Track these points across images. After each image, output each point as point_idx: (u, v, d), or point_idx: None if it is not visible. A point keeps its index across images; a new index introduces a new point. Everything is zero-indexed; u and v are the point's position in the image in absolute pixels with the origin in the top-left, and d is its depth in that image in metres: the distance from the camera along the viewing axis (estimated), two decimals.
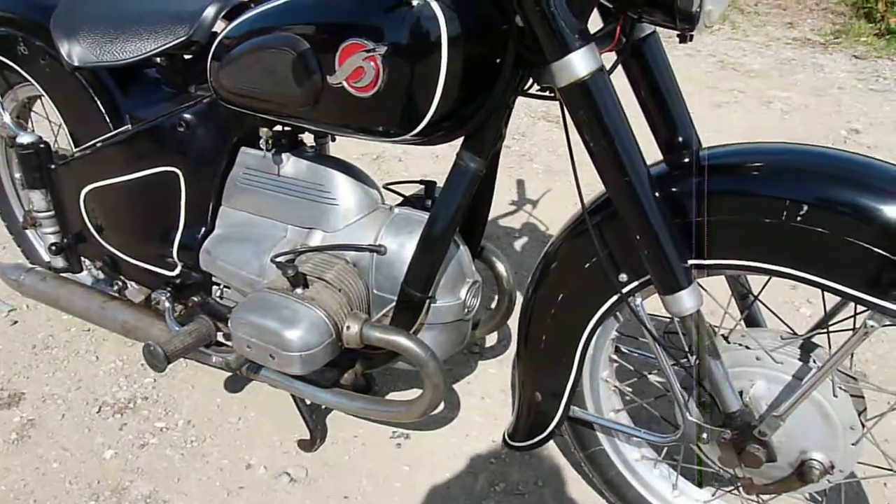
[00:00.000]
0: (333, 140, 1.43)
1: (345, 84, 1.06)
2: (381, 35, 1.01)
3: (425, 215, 1.21)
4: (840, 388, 1.04)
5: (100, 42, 1.32)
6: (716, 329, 1.13)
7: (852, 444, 1.05)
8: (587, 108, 0.94)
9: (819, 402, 1.05)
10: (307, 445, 1.56)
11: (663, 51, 1.11)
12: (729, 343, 1.11)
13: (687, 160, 1.06)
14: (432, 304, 1.27)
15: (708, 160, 1.04)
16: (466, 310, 1.31)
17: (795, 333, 1.10)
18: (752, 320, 1.21)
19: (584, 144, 0.97)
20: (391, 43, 1.01)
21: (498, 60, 1.05)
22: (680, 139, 1.11)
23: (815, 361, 1.04)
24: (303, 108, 1.13)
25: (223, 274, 1.42)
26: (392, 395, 1.72)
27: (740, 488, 1.16)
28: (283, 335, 1.18)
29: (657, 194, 0.97)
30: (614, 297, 1.10)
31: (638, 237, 0.98)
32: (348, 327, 1.23)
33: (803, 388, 1.01)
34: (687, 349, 1.06)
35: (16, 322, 1.92)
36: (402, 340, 1.22)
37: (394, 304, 1.27)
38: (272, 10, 1.13)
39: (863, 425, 1.04)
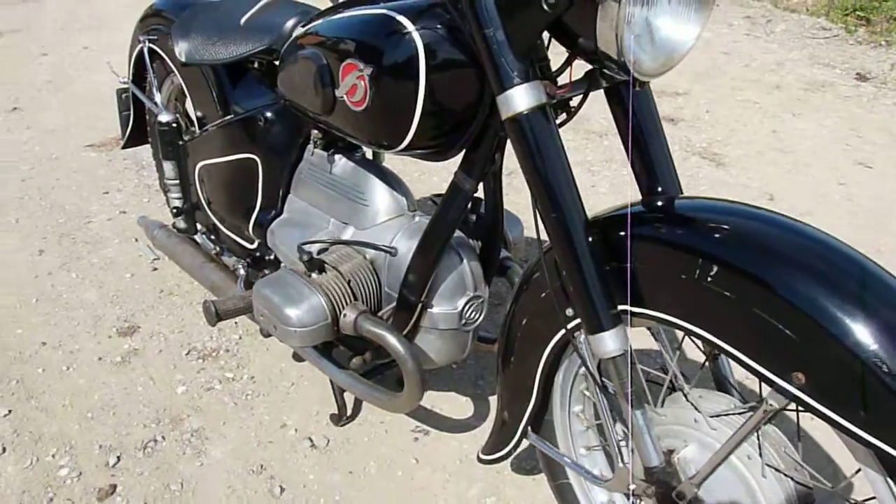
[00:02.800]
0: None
1: (345, 98, 1.19)
2: (370, 58, 1.13)
3: None
4: (774, 470, 0.98)
5: (204, 44, 1.58)
6: (675, 382, 1.10)
7: None
8: (523, 142, 0.98)
9: (746, 480, 0.99)
10: (335, 419, 1.72)
11: (650, 95, 1.10)
12: (687, 401, 1.08)
13: (651, 206, 1.05)
14: (428, 310, 1.36)
15: (673, 209, 1.03)
16: (464, 321, 1.38)
17: (745, 401, 1.04)
18: (720, 382, 1.15)
19: (524, 175, 1.01)
20: (376, 65, 1.12)
21: (480, 87, 1.11)
22: (656, 185, 1.09)
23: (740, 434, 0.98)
24: (322, 115, 1.28)
25: (280, 252, 1.61)
26: (430, 393, 1.82)
27: None
28: (283, 311, 1.34)
29: (592, 237, 0.99)
30: (562, 332, 1.11)
31: (566, 273, 1.00)
32: (345, 315, 1.36)
33: (714, 459, 0.96)
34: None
35: (156, 269, 2.29)
36: (387, 336, 1.32)
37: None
38: (311, 29, 1.29)
39: None
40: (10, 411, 1.75)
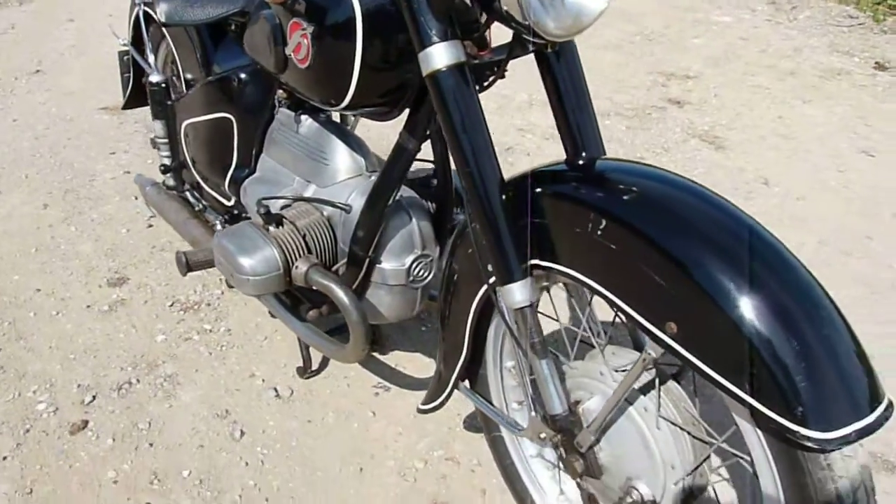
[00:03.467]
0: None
1: (292, 56, 1.25)
2: (312, 17, 1.18)
3: None
4: (668, 422, 1.02)
5: (182, 6, 1.64)
6: (591, 338, 1.14)
7: (673, 485, 1.02)
8: (440, 99, 1.02)
9: (641, 430, 1.03)
10: (300, 372, 1.79)
11: (576, 58, 1.13)
12: (602, 355, 1.12)
13: (565, 166, 1.09)
14: (377, 266, 1.42)
15: (595, 170, 1.07)
16: (412, 278, 1.43)
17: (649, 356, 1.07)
18: (636, 341, 1.18)
19: (443, 132, 1.06)
20: (318, 24, 1.17)
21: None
22: (579, 146, 1.12)
23: (636, 386, 1.03)
24: (276, 73, 1.34)
25: (248, 208, 1.68)
26: (397, 352, 1.89)
27: (582, 500, 1.17)
28: (238, 260, 1.41)
29: (506, 194, 1.03)
30: (485, 287, 1.16)
31: (479, 228, 1.05)
32: (297, 267, 1.43)
33: (606, 408, 1.01)
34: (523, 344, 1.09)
35: (151, 226, 2.39)
36: (334, 288, 1.38)
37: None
38: None
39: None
40: None
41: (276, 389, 1.76)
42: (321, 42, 1.18)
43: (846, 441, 0.76)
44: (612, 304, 0.92)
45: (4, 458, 1.56)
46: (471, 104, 1.02)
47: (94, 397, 1.72)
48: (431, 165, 1.44)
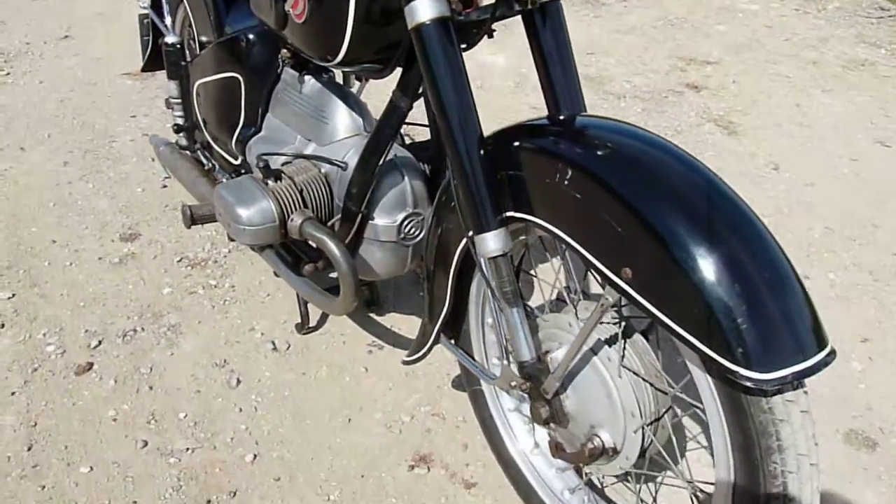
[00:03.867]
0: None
1: (290, 11, 1.29)
2: None
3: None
4: (631, 373, 1.06)
5: None
6: (565, 292, 1.18)
7: (633, 433, 1.06)
8: (423, 52, 1.06)
9: (604, 380, 1.07)
10: (298, 327, 1.85)
11: (561, 19, 1.16)
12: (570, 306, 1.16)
13: (544, 121, 1.12)
14: (370, 222, 1.47)
15: (570, 125, 1.10)
16: (402, 235, 1.48)
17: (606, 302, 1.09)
18: None
19: (425, 85, 1.09)
20: None
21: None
22: (560, 104, 1.15)
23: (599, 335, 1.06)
24: (277, 29, 1.38)
25: (252, 165, 1.74)
26: (393, 314, 1.94)
27: (549, 448, 1.20)
28: (236, 210, 1.46)
29: (485, 149, 1.07)
30: (465, 239, 1.20)
31: (456, 180, 1.09)
32: (292, 220, 1.48)
33: (569, 354, 1.04)
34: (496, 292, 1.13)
35: (165, 186, 2.46)
36: (326, 240, 1.43)
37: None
38: None
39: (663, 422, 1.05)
40: (13, 294, 1.95)
41: (273, 343, 1.82)
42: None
43: (784, 382, 0.79)
44: (574, 250, 0.96)
45: (13, 394, 1.64)
46: (453, 58, 1.06)
47: (100, 342, 1.80)
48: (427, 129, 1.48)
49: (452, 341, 1.39)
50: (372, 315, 1.93)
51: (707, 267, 0.83)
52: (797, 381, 0.83)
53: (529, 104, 3.24)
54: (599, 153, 0.96)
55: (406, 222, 1.47)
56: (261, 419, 1.61)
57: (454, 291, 1.30)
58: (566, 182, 0.96)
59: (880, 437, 1.63)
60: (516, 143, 1.06)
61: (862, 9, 4.75)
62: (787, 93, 3.48)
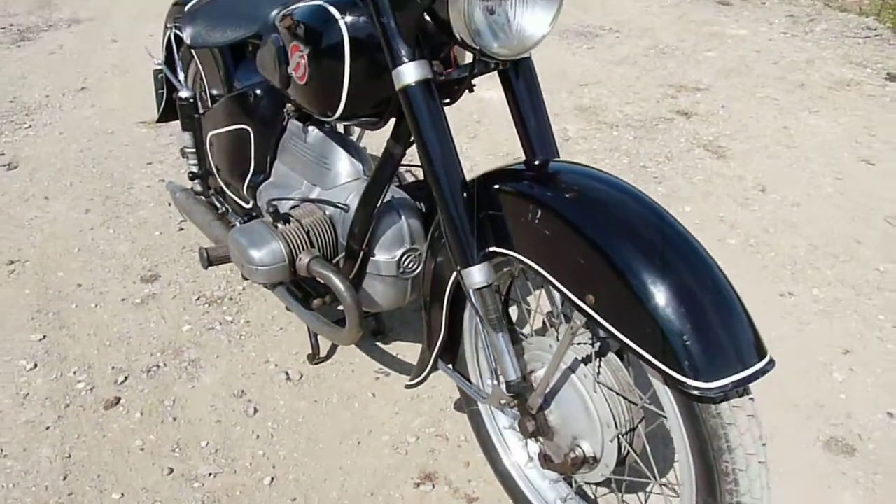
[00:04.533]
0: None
1: (293, 74, 1.44)
2: (309, 40, 1.37)
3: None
4: (605, 387, 1.18)
5: (206, 29, 1.85)
6: (549, 317, 1.30)
7: (610, 441, 1.18)
8: (410, 110, 1.20)
9: (582, 395, 1.19)
10: (310, 358, 1.98)
11: (532, 73, 1.29)
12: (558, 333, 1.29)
13: (518, 167, 1.26)
14: (371, 258, 1.60)
15: (543, 170, 1.23)
16: (402, 269, 1.61)
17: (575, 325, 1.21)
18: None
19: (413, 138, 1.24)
20: (313, 47, 1.36)
21: None
22: (535, 149, 1.29)
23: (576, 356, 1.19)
24: (282, 88, 1.53)
25: (263, 210, 1.88)
26: (398, 342, 2.07)
27: (539, 460, 1.32)
28: (249, 252, 1.60)
29: (467, 191, 1.20)
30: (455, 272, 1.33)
31: (442, 220, 1.22)
32: (300, 259, 1.62)
33: (548, 372, 1.17)
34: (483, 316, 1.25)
35: (181, 229, 2.61)
36: (332, 277, 1.57)
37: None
38: (277, 17, 1.55)
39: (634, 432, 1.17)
40: (44, 336, 2.09)
41: (287, 373, 1.95)
42: (316, 62, 1.38)
43: (726, 389, 0.92)
44: (546, 280, 1.09)
45: (48, 428, 1.78)
46: (436, 114, 1.20)
47: (126, 378, 1.93)
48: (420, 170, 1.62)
49: (450, 366, 1.51)
50: (378, 344, 2.06)
51: (659, 293, 0.96)
52: (740, 388, 0.95)
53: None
54: (566, 195, 1.09)
55: (404, 257, 1.60)
56: (277, 444, 1.74)
57: (449, 320, 1.42)
58: (537, 221, 1.09)
59: (858, 444, 1.73)
60: (495, 186, 1.19)
61: (849, 29, 4.90)
62: (774, 115, 3.62)
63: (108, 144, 3.27)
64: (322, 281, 1.61)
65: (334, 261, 1.68)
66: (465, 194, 1.21)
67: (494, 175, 1.22)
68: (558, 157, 1.30)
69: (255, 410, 1.83)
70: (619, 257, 1.00)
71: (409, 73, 1.19)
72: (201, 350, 2.04)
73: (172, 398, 1.87)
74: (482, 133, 3.46)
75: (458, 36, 1.13)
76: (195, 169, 2.25)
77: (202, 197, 2.30)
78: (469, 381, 1.51)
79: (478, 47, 1.13)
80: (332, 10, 1.34)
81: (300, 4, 1.47)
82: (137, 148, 3.23)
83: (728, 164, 3.15)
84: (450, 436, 1.76)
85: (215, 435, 1.76)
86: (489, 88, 4.02)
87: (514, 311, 1.56)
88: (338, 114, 1.42)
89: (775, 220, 2.70)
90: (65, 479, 1.65)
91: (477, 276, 1.21)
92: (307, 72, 1.40)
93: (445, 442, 1.74)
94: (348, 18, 1.33)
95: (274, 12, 1.73)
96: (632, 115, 3.64)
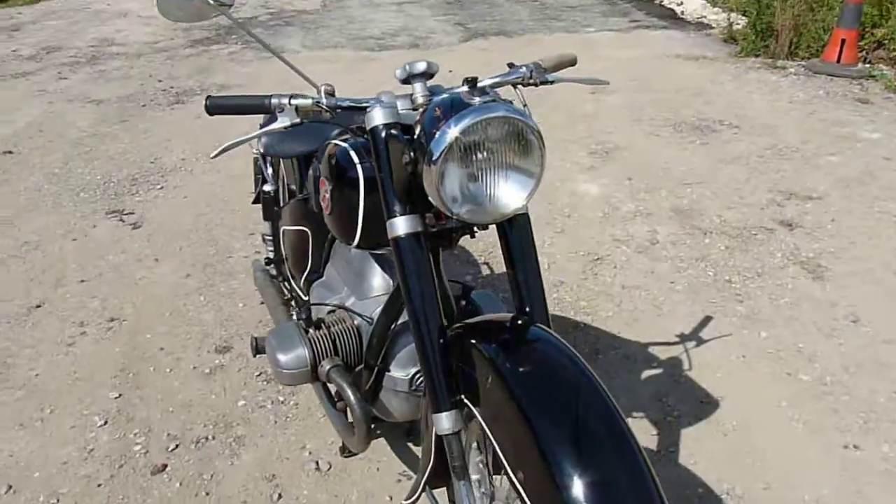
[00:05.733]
0: None
1: (322, 204, 1.57)
2: (332, 177, 1.50)
3: None
4: None
5: (276, 142, 2.05)
6: None
7: None
8: (399, 258, 1.28)
9: None
10: (342, 451, 2.07)
11: (527, 228, 1.34)
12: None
13: (498, 323, 1.30)
14: (386, 373, 1.68)
15: (517, 333, 1.26)
16: (414, 387, 1.68)
17: None
18: None
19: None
20: (335, 183, 1.49)
21: None
22: (524, 306, 1.33)
23: None
24: (317, 211, 1.67)
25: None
26: None
27: None
28: (276, 354, 1.73)
29: (444, 338, 1.26)
30: None
31: (420, 363, 1.29)
32: (322, 366, 1.72)
33: None
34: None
35: (263, 303, 2.81)
36: (346, 389, 1.66)
37: None
38: (321, 147, 1.70)
39: None
40: (120, 395, 2.32)
41: (317, 463, 2.05)
42: (338, 197, 1.50)
43: None
44: (491, 444, 1.12)
45: (99, 485, 1.98)
46: (422, 263, 1.27)
47: (177, 446, 2.11)
48: None
49: (434, 490, 1.55)
50: (409, 444, 2.12)
51: (578, 489, 0.97)
52: None
53: (613, 237, 3.36)
54: (521, 368, 1.12)
55: (417, 376, 1.67)
56: None
57: (438, 449, 1.47)
58: (488, 385, 1.13)
59: None
60: (470, 340, 1.24)
61: None
62: (890, 235, 3.38)
63: (222, 212, 3.60)
64: (338, 389, 1.71)
65: (357, 369, 1.78)
66: (441, 340, 1.26)
67: (473, 327, 1.28)
68: (546, 314, 1.33)
69: (280, 497, 1.94)
70: (548, 445, 1.02)
71: (400, 226, 1.28)
72: (249, 427, 2.19)
73: (211, 472, 2.02)
74: (570, 228, 3.47)
75: (433, 201, 1.21)
76: (271, 254, 2.45)
77: (276, 281, 2.49)
78: None
79: (452, 215, 1.20)
80: (353, 154, 1.47)
81: (336, 141, 1.61)
82: (244, 218, 3.52)
83: (823, 286, 2.97)
84: None
85: None
86: (586, 181, 4.07)
87: None
88: (355, 242, 1.53)
89: (860, 358, 2.51)
90: None
91: (444, 422, 1.25)
92: (330, 204, 1.52)
93: None
94: (364, 163, 1.45)
95: (326, 137, 1.89)
96: (730, 221, 3.52)
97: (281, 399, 2.31)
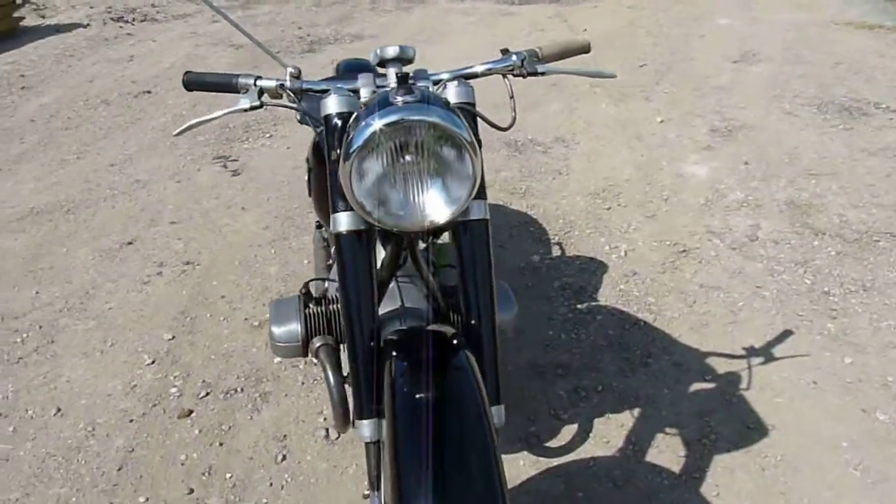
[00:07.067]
0: None
1: (307, 186, 1.55)
2: (308, 159, 1.47)
3: None
4: None
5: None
6: None
7: None
8: (339, 256, 1.24)
9: None
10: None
11: (482, 235, 1.24)
12: None
13: (434, 334, 1.22)
14: None
15: (439, 345, 1.18)
16: None
17: None
18: None
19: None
20: (311, 165, 1.45)
21: None
22: (471, 312, 1.24)
23: None
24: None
25: None
26: None
27: None
28: (272, 326, 1.75)
29: (374, 341, 1.21)
30: None
31: (349, 364, 1.25)
32: (312, 342, 1.73)
33: None
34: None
35: None
36: (328, 369, 1.64)
37: None
38: None
39: None
40: (173, 337, 2.48)
41: (327, 430, 2.09)
42: (314, 181, 1.47)
43: None
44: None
45: (131, 421, 2.14)
46: (361, 263, 1.22)
47: (207, 394, 2.23)
48: None
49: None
50: None
51: None
52: None
53: (708, 228, 3.09)
54: (418, 396, 1.05)
55: None
56: (281, 498, 1.89)
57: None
58: (393, 401, 1.07)
59: None
60: (393, 351, 1.18)
61: None
62: None
63: None
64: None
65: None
66: (371, 343, 1.22)
67: (407, 333, 1.22)
68: (492, 329, 1.24)
69: (283, 458, 2.00)
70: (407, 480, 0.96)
71: (342, 222, 1.23)
72: (277, 384, 2.27)
73: (230, 424, 2.12)
74: (662, 214, 3.23)
75: (348, 199, 1.14)
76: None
77: (325, 245, 2.52)
78: None
79: (366, 217, 1.13)
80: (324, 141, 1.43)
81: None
82: None
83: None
84: None
85: (241, 470, 1.97)
86: (696, 162, 3.74)
87: None
88: (332, 228, 1.49)
89: None
90: (119, 469, 1.97)
91: (365, 429, 1.22)
92: (309, 186, 1.50)
93: None
94: (333, 155, 1.40)
95: None
96: (852, 222, 3.11)
97: (315, 361, 2.36)
